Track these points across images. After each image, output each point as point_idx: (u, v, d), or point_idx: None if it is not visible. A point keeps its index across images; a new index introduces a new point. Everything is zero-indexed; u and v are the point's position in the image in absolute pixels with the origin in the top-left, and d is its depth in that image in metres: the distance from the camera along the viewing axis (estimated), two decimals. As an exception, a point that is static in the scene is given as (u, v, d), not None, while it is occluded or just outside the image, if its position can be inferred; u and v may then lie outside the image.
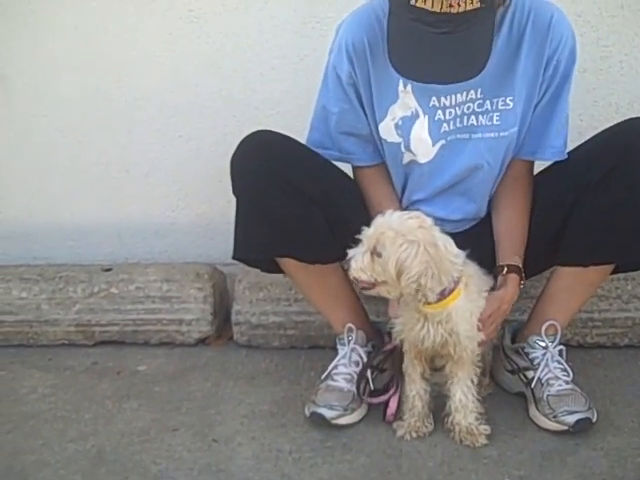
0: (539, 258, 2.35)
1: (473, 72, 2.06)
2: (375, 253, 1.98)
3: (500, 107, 2.23)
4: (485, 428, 2.16)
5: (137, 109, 3.13)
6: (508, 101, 2.23)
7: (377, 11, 2.21)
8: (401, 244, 1.93)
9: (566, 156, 2.29)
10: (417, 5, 1.96)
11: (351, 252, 2.02)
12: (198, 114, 3.10)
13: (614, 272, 2.35)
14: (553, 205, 2.29)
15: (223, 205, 3.04)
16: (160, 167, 3.18)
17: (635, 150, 2.13)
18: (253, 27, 2.99)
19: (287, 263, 2.36)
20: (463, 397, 2.16)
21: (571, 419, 2.15)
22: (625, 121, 2.24)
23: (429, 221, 2.00)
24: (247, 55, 3.02)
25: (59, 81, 3.12)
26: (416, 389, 2.20)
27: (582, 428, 2.15)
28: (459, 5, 1.94)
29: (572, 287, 2.33)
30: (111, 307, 2.87)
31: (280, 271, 2.43)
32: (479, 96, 2.22)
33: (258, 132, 2.30)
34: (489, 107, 2.23)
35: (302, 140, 2.38)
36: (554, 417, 2.18)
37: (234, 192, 2.30)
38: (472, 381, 2.17)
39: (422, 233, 1.95)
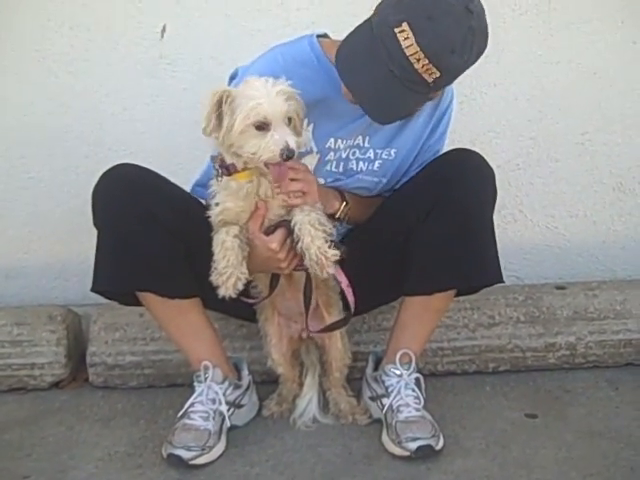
0: (381, 288, 2.47)
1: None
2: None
3: (383, 157, 2.41)
4: (334, 253, 2.13)
5: (-17, 150, 3.06)
6: (392, 152, 2.41)
7: (304, 57, 2.28)
8: None
9: None
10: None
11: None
12: (49, 155, 3.06)
13: (457, 295, 2.47)
14: (388, 237, 2.39)
15: (77, 246, 3.02)
16: (10, 208, 3.10)
17: (457, 180, 2.27)
18: (103, 67, 2.99)
19: (146, 297, 2.36)
20: (306, 217, 2.14)
21: (413, 445, 2.23)
22: (448, 152, 2.39)
23: None
24: (98, 95, 3.01)
25: None
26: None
27: (424, 454, 2.23)
28: None
29: (420, 315, 2.43)
30: (-44, 353, 2.75)
31: (138, 304, 2.41)
32: (366, 145, 2.38)
33: (121, 165, 2.30)
34: (371, 156, 2.40)
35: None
36: (399, 443, 2.25)
37: (95, 224, 2.28)
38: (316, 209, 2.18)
39: None
